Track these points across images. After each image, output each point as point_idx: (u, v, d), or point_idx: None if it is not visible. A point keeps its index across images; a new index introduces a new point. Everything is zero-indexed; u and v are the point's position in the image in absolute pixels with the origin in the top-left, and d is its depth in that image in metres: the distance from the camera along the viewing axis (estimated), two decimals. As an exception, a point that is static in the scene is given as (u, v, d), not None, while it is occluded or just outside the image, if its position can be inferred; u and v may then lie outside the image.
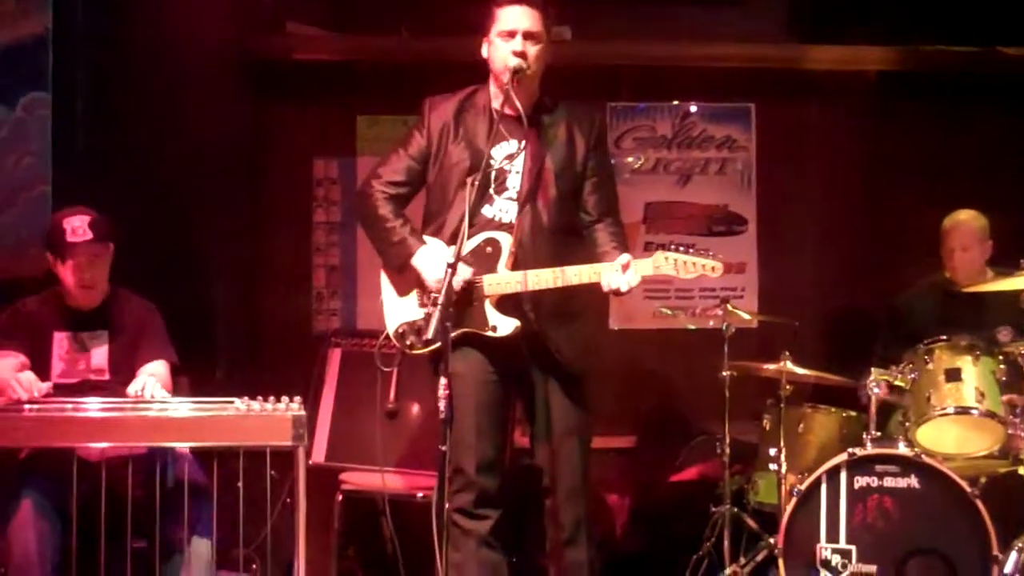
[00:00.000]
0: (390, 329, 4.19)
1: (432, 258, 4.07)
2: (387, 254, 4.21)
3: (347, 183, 6.12)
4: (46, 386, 3.98)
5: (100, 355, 4.28)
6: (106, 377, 4.25)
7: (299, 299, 6.15)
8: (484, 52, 4.14)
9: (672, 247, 3.96)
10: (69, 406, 3.75)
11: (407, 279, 4.17)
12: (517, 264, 4.05)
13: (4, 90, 5.25)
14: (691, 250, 3.94)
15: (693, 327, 6.07)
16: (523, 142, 4.10)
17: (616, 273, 3.90)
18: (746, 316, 5.31)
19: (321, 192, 6.19)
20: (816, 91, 6.28)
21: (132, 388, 4.00)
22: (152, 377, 4.07)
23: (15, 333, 4.23)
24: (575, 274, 3.96)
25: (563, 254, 4.05)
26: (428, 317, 4.05)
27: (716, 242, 6.18)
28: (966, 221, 5.29)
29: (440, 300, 3.61)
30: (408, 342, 4.14)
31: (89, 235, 4.20)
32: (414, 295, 4.18)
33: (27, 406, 3.75)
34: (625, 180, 6.19)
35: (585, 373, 4.20)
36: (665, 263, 3.93)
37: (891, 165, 6.28)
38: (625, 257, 3.94)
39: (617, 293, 3.97)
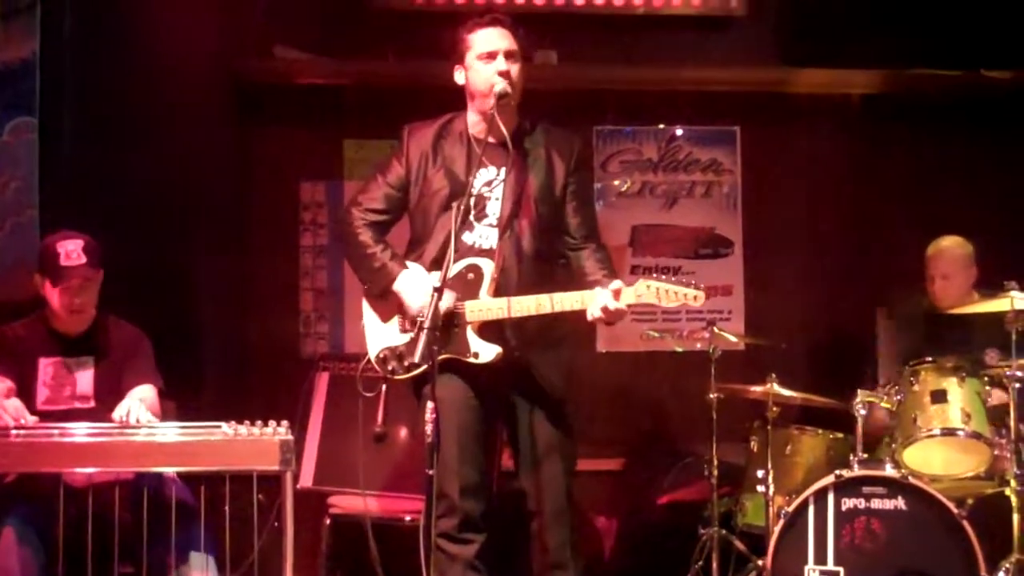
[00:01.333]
0: (372, 354, 4.19)
1: (414, 283, 4.07)
2: (368, 280, 4.21)
3: (334, 206, 6.12)
4: (32, 419, 3.95)
5: (86, 381, 4.26)
6: (91, 404, 4.23)
7: (286, 323, 6.14)
8: (459, 79, 4.14)
9: (654, 275, 3.96)
10: (56, 431, 3.73)
11: (389, 304, 4.16)
12: (499, 291, 4.05)
13: (-9, 115, 5.25)
14: (673, 278, 3.95)
15: (680, 349, 6.07)
16: (502, 168, 4.11)
17: (608, 297, 3.89)
18: (732, 338, 5.32)
19: (308, 216, 6.20)
20: (801, 114, 6.31)
21: (117, 413, 3.98)
22: (138, 401, 4.06)
23: (1, 358, 4.22)
24: (559, 302, 3.95)
25: (545, 280, 4.05)
26: (410, 343, 4.04)
27: (702, 265, 6.20)
28: (949, 248, 5.30)
29: (427, 324, 3.60)
30: (390, 367, 4.13)
31: (83, 259, 4.20)
32: (395, 320, 4.17)
33: (13, 431, 3.73)
34: (611, 203, 6.22)
35: (568, 398, 4.20)
36: (647, 291, 3.91)
37: (877, 188, 6.31)
38: (617, 283, 3.93)
39: (602, 322, 3.96)
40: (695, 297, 3.90)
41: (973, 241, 5.32)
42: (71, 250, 4.19)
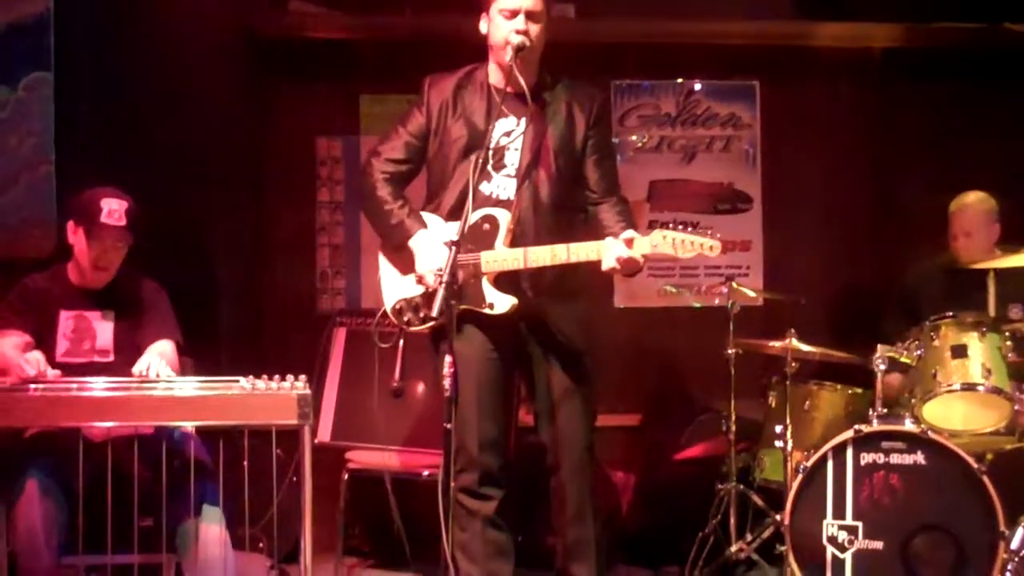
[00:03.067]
0: (387, 306, 4.19)
1: (428, 244, 4.05)
2: (384, 234, 4.22)
3: (351, 162, 6.10)
4: (54, 372, 3.96)
5: (105, 335, 4.27)
6: (110, 358, 4.25)
7: (303, 278, 6.14)
8: (483, 28, 4.12)
9: (670, 226, 3.93)
10: (75, 386, 3.74)
11: (405, 258, 4.16)
12: (515, 241, 4.04)
13: (6, 70, 5.25)
14: (689, 228, 3.92)
15: (698, 305, 6.06)
16: (522, 119, 4.09)
17: (620, 246, 3.87)
18: (751, 294, 5.30)
19: (325, 171, 6.18)
20: (821, 68, 6.25)
21: (137, 367, 3.99)
22: (157, 356, 4.06)
23: (23, 310, 4.23)
24: (575, 252, 3.94)
25: (563, 231, 4.03)
26: (426, 294, 4.05)
27: (721, 220, 6.16)
28: (972, 204, 5.23)
29: (444, 278, 3.59)
30: (405, 319, 4.13)
31: (123, 222, 4.22)
32: (411, 273, 4.17)
33: (32, 386, 3.74)
34: (629, 158, 6.18)
35: (587, 350, 4.19)
36: (663, 242, 3.89)
37: (897, 142, 6.26)
38: (630, 232, 3.91)
39: (618, 273, 3.94)
40: (711, 247, 3.87)
41: (995, 197, 5.26)
42: (114, 209, 4.21)
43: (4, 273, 4.67)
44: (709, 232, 3.90)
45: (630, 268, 3.92)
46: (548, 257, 3.95)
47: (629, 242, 3.87)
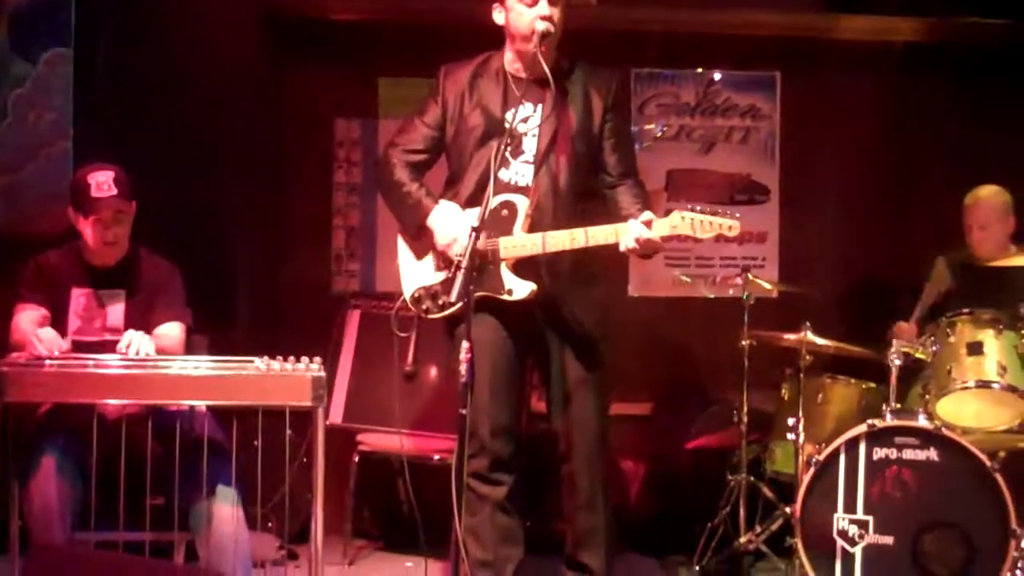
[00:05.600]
0: (406, 294, 4.19)
1: (446, 218, 4.07)
2: (403, 217, 4.23)
3: (368, 145, 6.11)
4: (65, 344, 3.96)
5: (116, 314, 4.26)
6: (121, 336, 4.23)
7: (319, 260, 6.14)
8: (499, 19, 4.11)
9: (689, 206, 3.93)
10: (90, 362, 3.74)
11: (424, 243, 4.17)
12: (533, 227, 4.04)
13: (26, 46, 5.25)
14: (708, 208, 3.91)
15: (712, 295, 6.04)
16: (539, 105, 4.09)
17: (640, 228, 3.86)
18: (767, 285, 5.29)
19: (342, 153, 6.17)
20: (843, 61, 6.22)
21: (121, 344, 3.96)
22: (139, 334, 4.00)
23: (38, 285, 4.22)
24: (593, 235, 3.93)
25: (580, 216, 4.03)
26: (445, 281, 4.05)
27: (738, 211, 6.10)
28: (986, 198, 5.22)
29: (463, 264, 3.59)
30: (424, 307, 4.13)
31: (114, 191, 4.17)
32: (430, 259, 4.18)
33: (48, 361, 3.74)
34: (647, 148, 6.16)
35: (602, 338, 4.19)
36: (682, 223, 3.89)
37: (916, 137, 6.23)
38: (648, 214, 3.91)
39: (636, 254, 3.94)
40: (730, 227, 3.88)
41: (1015, 193, 5.24)
42: (102, 182, 4.16)
43: (22, 248, 4.66)
44: (728, 213, 3.90)
45: (649, 249, 3.92)
46: (567, 241, 3.95)
47: (648, 223, 3.88)
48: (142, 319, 4.26)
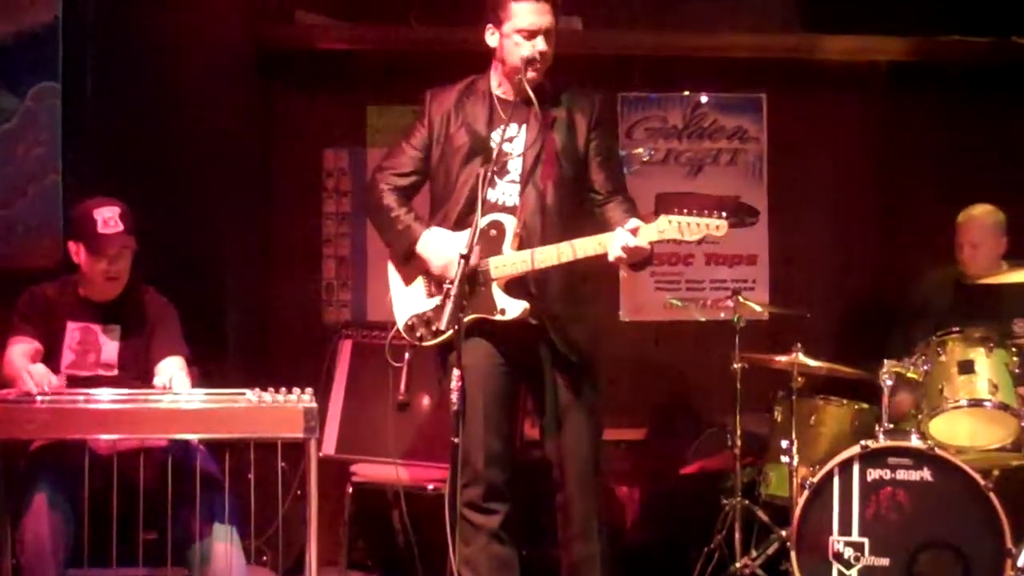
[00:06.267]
0: (400, 323, 4.19)
1: (436, 243, 4.08)
2: (392, 243, 4.23)
3: (357, 173, 6.10)
4: (58, 381, 3.95)
5: (111, 349, 4.26)
6: (115, 372, 4.23)
7: (309, 290, 6.12)
8: (492, 41, 4.13)
9: (675, 211, 3.92)
10: (81, 398, 3.73)
11: (414, 269, 4.18)
12: (522, 246, 4.05)
13: (14, 79, 5.25)
14: (695, 210, 3.91)
15: (703, 319, 6.04)
16: (523, 125, 4.11)
17: (625, 235, 3.86)
18: (757, 308, 5.29)
19: (331, 182, 6.17)
20: (828, 81, 6.24)
21: (160, 380, 3.98)
22: (179, 371, 4.03)
23: (32, 317, 4.22)
24: (580, 247, 3.94)
25: (569, 235, 4.02)
26: (437, 308, 4.05)
27: (727, 233, 6.13)
28: (979, 216, 5.24)
29: (453, 291, 3.59)
30: (418, 335, 4.13)
31: (120, 227, 4.18)
32: (421, 286, 4.18)
33: (39, 397, 3.72)
34: (635, 171, 6.16)
35: (594, 363, 4.18)
36: (669, 227, 3.88)
37: (903, 156, 6.24)
38: (634, 221, 3.91)
39: (625, 264, 3.93)
40: (717, 227, 3.87)
41: (1003, 211, 5.26)
42: (108, 217, 4.18)
43: (11, 283, 4.64)
44: (715, 214, 3.89)
45: (637, 256, 3.92)
46: (555, 256, 3.95)
47: (635, 231, 3.87)
48: (136, 356, 4.26)
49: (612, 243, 3.90)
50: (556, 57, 4.12)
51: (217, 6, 5.60)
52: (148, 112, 5.31)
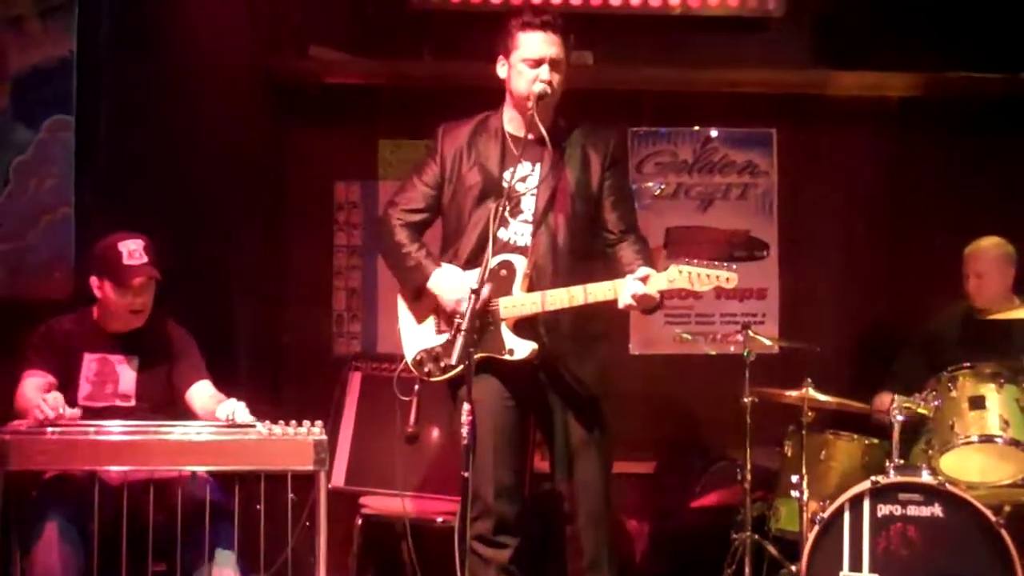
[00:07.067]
0: (408, 357, 4.19)
1: (447, 280, 4.08)
2: (403, 279, 4.23)
3: (369, 207, 6.13)
4: (74, 411, 3.95)
5: (128, 380, 4.27)
6: (132, 403, 4.24)
7: (320, 322, 6.14)
8: (501, 73, 4.15)
9: (685, 260, 3.93)
10: (92, 429, 3.74)
11: (424, 305, 4.18)
12: (532, 286, 4.05)
13: (28, 112, 5.29)
14: (704, 262, 3.92)
15: (713, 352, 6.04)
16: (537, 164, 4.11)
17: (635, 283, 3.87)
18: (767, 342, 5.28)
19: (342, 216, 6.20)
20: (838, 117, 6.25)
21: (223, 412, 3.97)
22: (241, 403, 4.03)
23: (47, 352, 4.24)
24: (592, 292, 3.94)
25: (580, 276, 4.03)
26: (446, 344, 4.05)
27: (737, 268, 6.14)
28: (986, 248, 5.25)
29: (463, 326, 3.60)
30: (426, 369, 4.13)
31: (145, 259, 4.21)
32: (431, 321, 4.18)
33: (50, 429, 3.74)
34: (646, 205, 6.18)
35: (603, 397, 4.18)
36: (679, 276, 3.90)
37: (914, 192, 6.25)
38: (644, 270, 3.92)
39: (635, 310, 3.94)
40: (727, 279, 3.88)
41: (1014, 245, 5.26)
42: (133, 250, 4.21)
43: (23, 315, 4.68)
44: (725, 265, 3.90)
45: (646, 305, 3.93)
46: (565, 299, 3.96)
47: (644, 279, 3.88)
48: (153, 387, 4.28)
49: (623, 291, 3.90)
50: (567, 92, 4.14)
51: (230, 41, 5.65)
52: (161, 145, 5.34)
